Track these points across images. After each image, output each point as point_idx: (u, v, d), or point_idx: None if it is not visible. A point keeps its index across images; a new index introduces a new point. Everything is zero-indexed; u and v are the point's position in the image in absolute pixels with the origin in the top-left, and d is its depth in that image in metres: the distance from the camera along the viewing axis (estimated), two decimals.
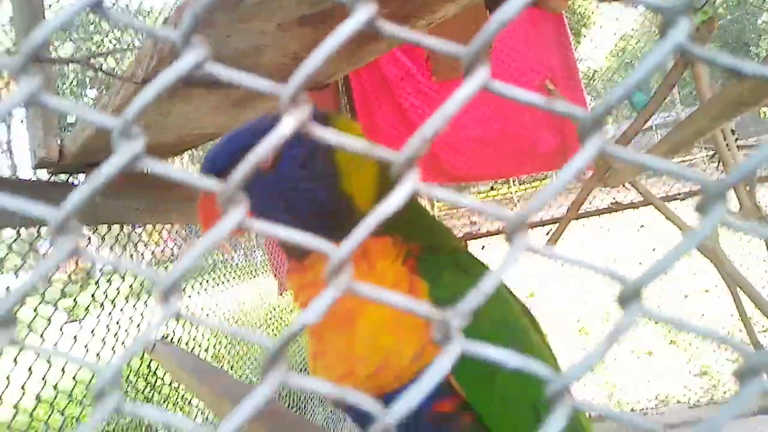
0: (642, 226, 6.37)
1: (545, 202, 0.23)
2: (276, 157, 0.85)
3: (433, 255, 0.90)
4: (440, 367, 0.21)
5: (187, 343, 2.62)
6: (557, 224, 4.01)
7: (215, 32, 0.75)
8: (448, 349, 0.22)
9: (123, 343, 2.20)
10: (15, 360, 1.74)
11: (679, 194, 4.70)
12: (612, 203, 4.71)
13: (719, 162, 3.27)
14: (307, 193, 0.87)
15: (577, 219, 4.51)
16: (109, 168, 0.22)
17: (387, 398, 0.80)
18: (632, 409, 5.35)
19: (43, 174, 1.70)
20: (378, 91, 4.13)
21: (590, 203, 4.92)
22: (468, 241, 4.78)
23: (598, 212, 4.78)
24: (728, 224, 0.22)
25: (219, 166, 0.85)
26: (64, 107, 0.23)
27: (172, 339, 2.39)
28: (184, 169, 4.34)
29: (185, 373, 1.84)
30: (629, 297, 0.22)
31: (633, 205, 4.65)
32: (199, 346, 2.83)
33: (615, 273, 0.24)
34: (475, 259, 1.03)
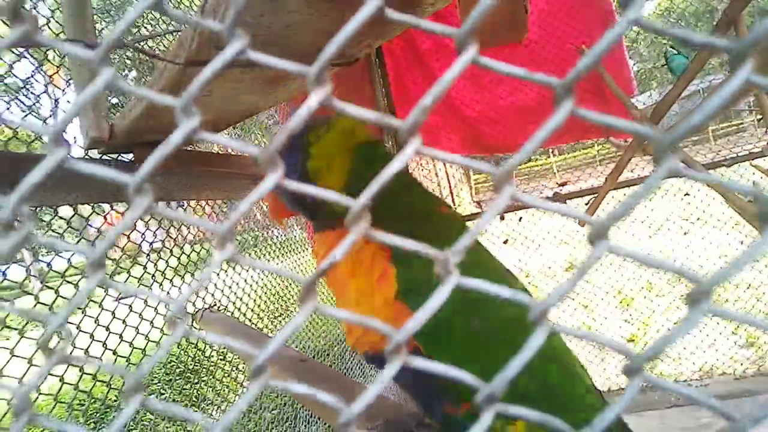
0: (686, 194, 6.20)
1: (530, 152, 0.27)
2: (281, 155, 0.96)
3: (409, 263, 1.00)
4: (442, 295, 0.27)
5: (232, 313, 2.77)
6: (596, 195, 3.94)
7: (250, 13, 0.80)
8: (449, 279, 0.27)
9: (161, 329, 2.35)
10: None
11: (725, 160, 4.50)
12: (654, 171, 4.61)
13: None
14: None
15: (618, 189, 4.40)
16: (175, 137, 0.27)
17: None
18: (675, 381, 5.30)
19: (93, 154, 1.81)
20: (411, 64, 4.12)
21: (632, 171, 4.80)
22: (505, 214, 4.69)
23: (641, 180, 4.60)
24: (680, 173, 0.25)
25: None
26: (134, 91, 0.29)
27: (219, 308, 2.52)
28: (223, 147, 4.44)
29: (232, 338, 1.94)
30: (598, 235, 0.26)
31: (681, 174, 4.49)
32: (244, 315, 2.98)
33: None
34: (450, 225, 1.16)
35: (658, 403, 4.96)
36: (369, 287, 0.99)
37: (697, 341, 5.54)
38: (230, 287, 2.89)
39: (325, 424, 3.78)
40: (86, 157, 1.81)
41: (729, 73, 0.25)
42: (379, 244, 0.99)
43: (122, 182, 0.28)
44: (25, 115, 2.13)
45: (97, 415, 3.43)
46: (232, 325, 2.17)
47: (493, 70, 0.26)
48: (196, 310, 2.35)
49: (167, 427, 3.37)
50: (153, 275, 2.40)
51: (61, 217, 1.94)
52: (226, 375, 3.17)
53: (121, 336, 2.05)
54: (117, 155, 1.80)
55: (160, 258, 2.53)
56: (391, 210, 1.04)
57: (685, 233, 6.14)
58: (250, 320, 3.02)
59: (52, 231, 2.02)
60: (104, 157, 1.73)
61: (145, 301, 2.20)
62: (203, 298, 2.55)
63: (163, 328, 2.25)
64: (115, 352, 2.05)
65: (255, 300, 3.20)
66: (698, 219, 6.27)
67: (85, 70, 1.39)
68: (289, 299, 3.98)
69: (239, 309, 2.93)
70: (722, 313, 0.26)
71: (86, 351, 1.91)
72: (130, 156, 1.78)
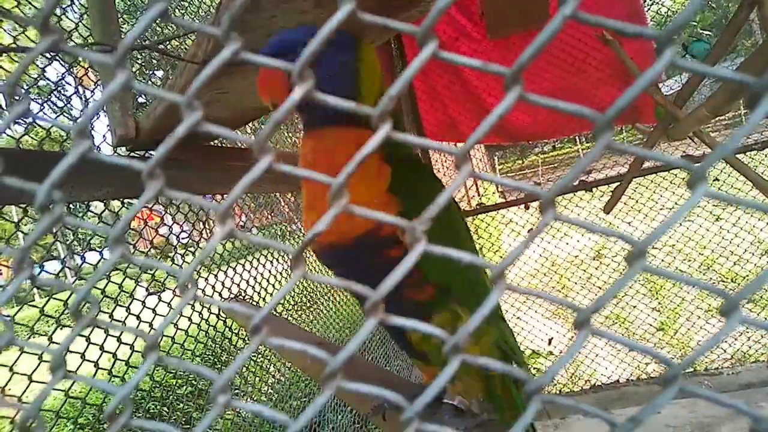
0: (715, 179, 6.07)
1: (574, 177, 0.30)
2: (313, 63, 1.01)
3: (402, 166, 1.15)
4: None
5: (257, 303, 2.86)
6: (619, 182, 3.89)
7: (262, 15, 0.85)
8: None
9: (200, 314, 2.45)
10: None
11: (756, 144, 4.38)
12: (682, 156, 4.47)
13: None
14: (332, 90, 1.06)
15: (644, 176, 4.33)
16: (180, 130, 0.31)
17: (357, 240, 1.10)
18: (706, 369, 5.22)
19: (122, 152, 1.90)
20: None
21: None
22: (530, 203, 4.67)
23: (666, 167, 4.49)
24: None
25: (277, 52, 1.05)
26: (149, 90, 0.33)
27: (245, 297, 2.61)
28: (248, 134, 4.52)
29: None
30: (636, 255, 0.30)
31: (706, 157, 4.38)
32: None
33: (622, 234, 0.31)
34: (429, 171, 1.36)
35: (687, 391, 4.91)
36: (366, 178, 1.09)
37: (763, 321, 5.43)
38: (255, 278, 2.97)
39: (352, 411, 3.86)
40: (114, 154, 1.90)
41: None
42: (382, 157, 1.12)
43: (137, 169, 0.33)
44: (57, 116, 2.23)
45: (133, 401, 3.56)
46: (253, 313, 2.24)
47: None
48: (223, 299, 2.44)
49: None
50: (180, 265, 2.49)
51: (93, 212, 2.04)
52: (252, 362, 3.27)
53: (151, 324, 2.14)
54: (144, 152, 1.89)
55: (187, 252, 2.62)
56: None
57: (716, 219, 6.02)
58: (274, 310, 3.09)
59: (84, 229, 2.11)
60: (131, 154, 1.82)
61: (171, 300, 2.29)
62: (229, 289, 2.63)
63: (192, 316, 2.33)
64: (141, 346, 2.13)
65: (279, 290, 3.28)
66: (729, 204, 6.13)
67: (109, 71, 1.46)
68: (314, 290, 4.05)
69: (264, 299, 3.02)
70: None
71: (118, 339, 2.00)
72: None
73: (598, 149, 0.28)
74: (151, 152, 1.89)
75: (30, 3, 2.01)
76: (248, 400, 3.48)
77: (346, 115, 1.13)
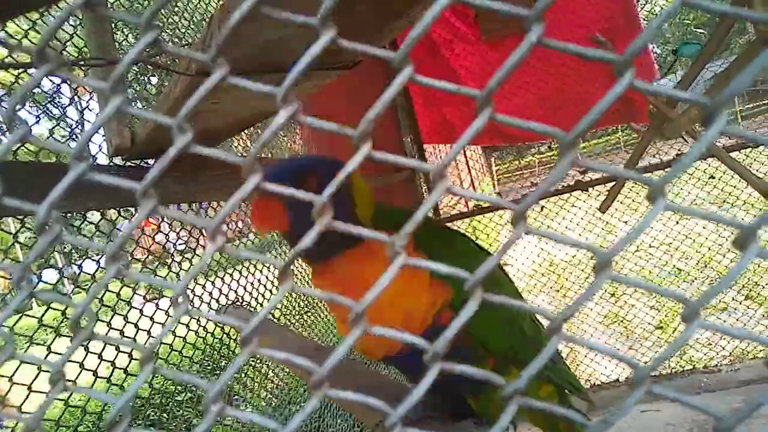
0: (711, 177, 6.09)
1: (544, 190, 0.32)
2: (318, 181, 1.09)
3: (424, 236, 1.10)
4: (467, 313, 0.33)
5: (255, 309, 2.88)
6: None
7: (251, 25, 0.86)
8: (470, 303, 0.32)
9: (197, 321, 2.46)
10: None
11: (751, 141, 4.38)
12: (678, 155, 4.36)
13: None
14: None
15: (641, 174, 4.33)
16: (171, 151, 0.33)
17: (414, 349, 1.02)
18: (705, 366, 5.24)
19: (118, 160, 1.91)
20: (428, 56, 4.10)
21: (654, 156, 4.72)
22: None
23: (662, 166, 4.48)
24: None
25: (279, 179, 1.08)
26: (141, 114, 0.35)
27: (242, 304, 2.62)
28: (245, 145, 4.54)
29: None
30: (601, 266, 0.31)
31: (701, 156, 4.39)
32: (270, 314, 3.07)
33: (590, 246, 0.33)
34: (448, 231, 1.40)
35: (688, 389, 4.93)
36: (403, 279, 1.07)
37: (725, 326, 5.45)
38: (252, 284, 2.98)
39: (351, 415, 3.86)
40: (111, 164, 1.91)
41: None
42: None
43: (131, 188, 0.34)
44: (53, 127, 2.25)
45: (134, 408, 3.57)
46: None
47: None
48: (220, 306, 2.45)
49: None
50: (177, 273, 2.50)
51: (90, 222, 2.05)
52: (251, 368, 3.28)
53: (148, 332, 2.16)
54: (140, 161, 1.90)
55: (183, 259, 2.64)
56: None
57: None
58: (272, 315, 3.12)
59: (82, 235, 2.12)
60: (128, 163, 1.83)
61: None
62: (227, 295, 2.65)
63: (190, 323, 2.35)
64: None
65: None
66: (724, 201, 6.16)
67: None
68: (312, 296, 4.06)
69: (262, 305, 3.04)
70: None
71: (116, 347, 2.01)
72: (152, 161, 1.88)
73: (562, 168, 0.30)
74: (147, 161, 1.90)
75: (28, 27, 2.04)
76: (248, 405, 3.49)
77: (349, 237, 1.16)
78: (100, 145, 1.88)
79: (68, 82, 2.19)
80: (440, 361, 0.38)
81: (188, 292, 2.50)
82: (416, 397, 0.37)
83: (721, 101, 0.28)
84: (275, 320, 3.08)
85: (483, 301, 0.37)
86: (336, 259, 1.12)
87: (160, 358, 2.26)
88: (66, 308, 1.92)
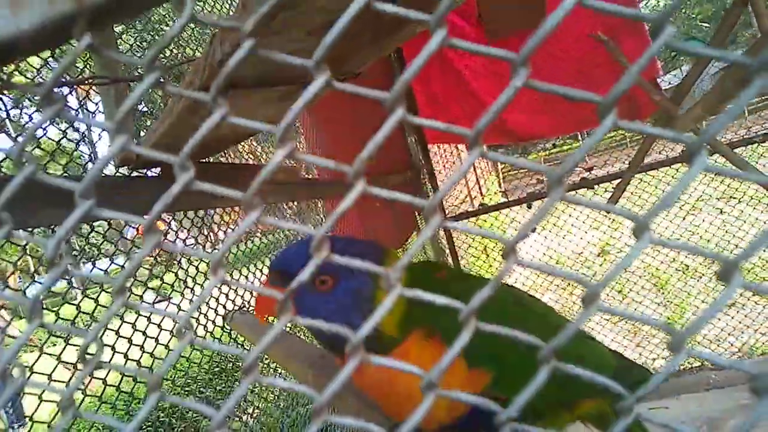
0: (717, 173, 6.03)
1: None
2: (335, 281, 1.06)
3: (443, 323, 1.07)
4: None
5: None
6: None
7: (253, 59, 0.87)
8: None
9: (206, 315, 2.49)
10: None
11: (756, 136, 4.33)
12: (683, 151, 4.37)
13: None
14: (348, 316, 1.05)
15: (646, 171, 4.30)
16: (174, 189, 0.34)
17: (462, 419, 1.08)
18: (713, 363, 5.21)
19: (124, 171, 1.93)
20: (432, 57, 4.10)
21: (660, 153, 4.69)
22: (533, 202, 4.64)
23: (668, 162, 4.43)
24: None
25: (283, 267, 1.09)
26: (144, 152, 0.36)
27: (248, 309, 2.65)
28: (252, 149, 4.55)
29: (260, 338, 2.07)
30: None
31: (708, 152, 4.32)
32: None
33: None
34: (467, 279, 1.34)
35: (696, 386, 4.91)
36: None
37: (734, 322, 5.43)
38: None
39: None
40: (117, 174, 1.93)
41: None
42: (428, 340, 1.07)
43: (136, 222, 0.36)
44: (60, 139, 2.28)
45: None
46: (260, 325, 2.27)
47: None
48: (227, 311, 2.47)
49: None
50: (184, 280, 2.54)
51: (97, 232, 2.08)
52: (262, 373, 3.31)
53: (156, 339, 2.19)
54: (146, 170, 1.91)
55: (191, 260, 2.68)
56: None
57: (720, 212, 6.02)
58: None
59: (90, 244, 2.16)
60: (134, 173, 1.84)
61: (179, 306, 2.33)
62: (233, 300, 2.67)
63: (196, 330, 2.37)
64: (152, 354, 2.18)
65: None
66: (731, 197, 6.13)
67: (109, 97, 1.50)
68: None
69: None
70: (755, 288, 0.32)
71: (125, 355, 2.04)
72: (158, 170, 1.89)
73: (549, 204, 0.31)
74: (153, 171, 1.90)
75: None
76: (255, 408, 3.52)
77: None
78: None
79: (73, 94, 2.23)
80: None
81: (189, 293, 2.55)
82: (413, 422, 0.38)
83: (702, 141, 0.29)
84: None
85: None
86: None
87: (159, 358, 2.29)
88: (76, 316, 1.95)
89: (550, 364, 0.34)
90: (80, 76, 2.44)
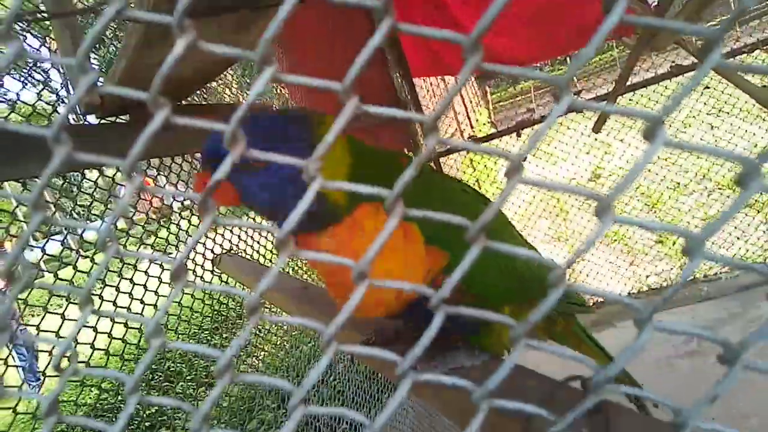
0: (706, 87, 5.98)
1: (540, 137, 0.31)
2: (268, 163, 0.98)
3: (414, 193, 1.03)
4: (467, 262, 0.33)
5: (251, 256, 2.95)
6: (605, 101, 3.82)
7: None
8: (472, 250, 0.32)
9: (202, 266, 2.52)
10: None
11: (744, 47, 4.21)
12: (672, 66, 4.10)
13: None
14: (289, 189, 0.99)
15: (634, 90, 4.20)
16: (151, 127, 0.32)
17: (412, 305, 1.07)
18: (705, 276, 5.34)
19: (92, 119, 1.87)
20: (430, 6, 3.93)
21: (648, 70, 4.57)
22: (522, 130, 4.57)
23: (656, 79, 4.29)
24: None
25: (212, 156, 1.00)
26: (114, 91, 0.33)
27: (236, 252, 2.68)
28: (235, 94, 4.48)
29: (249, 278, 2.11)
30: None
31: (696, 67, 4.19)
32: (263, 257, 3.16)
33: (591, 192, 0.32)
34: (440, 180, 1.30)
35: (688, 298, 5.05)
36: (397, 246, 1.02)
37: (725, 234, 5.53)
38: (246, 231, 3.02)
39: (358, 363, 4.02)
40: (85, 123, 1.87)
41: None
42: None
43: (115, 164, 0.34)
44: (40, 90, 2.21)
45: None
46: (248, 266, 2.31)
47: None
48: (215, 255, 2.50)
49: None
50: (177, 235, 2.55)
51: (84, 192, 2.04)
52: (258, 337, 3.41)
53: (156, 292, 2.21)
54: (114, 118, 1.84)
55: (187, 217, 2.66)
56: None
57: (711, 127, 6.00)
58: (270, 261, 3.19)
59: (82, 192, 2.09)
60: (102, 121, 1.78)
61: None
62: (221, 244, 2.70)
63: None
64: (155, 306, 2.20)
65: (272, 242, 3.35)
66: (721, 111, 6.09)
67: (66, 38, 1.45)
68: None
69: (258, 251, 3.10)
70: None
71: (128, 308, 2.08)
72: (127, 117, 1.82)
73: (558, 111, 0.29)
74: (120, 117, 1.83)
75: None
76: (241, 363, 3.62)
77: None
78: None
79: (47, 46, 2.13)
80: (445, 306, 0.39)
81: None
82: (424, 344, 0.38)
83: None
84: (271, 263, 3.15)
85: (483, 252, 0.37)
86: (318, 234, 1.03)
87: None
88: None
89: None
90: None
